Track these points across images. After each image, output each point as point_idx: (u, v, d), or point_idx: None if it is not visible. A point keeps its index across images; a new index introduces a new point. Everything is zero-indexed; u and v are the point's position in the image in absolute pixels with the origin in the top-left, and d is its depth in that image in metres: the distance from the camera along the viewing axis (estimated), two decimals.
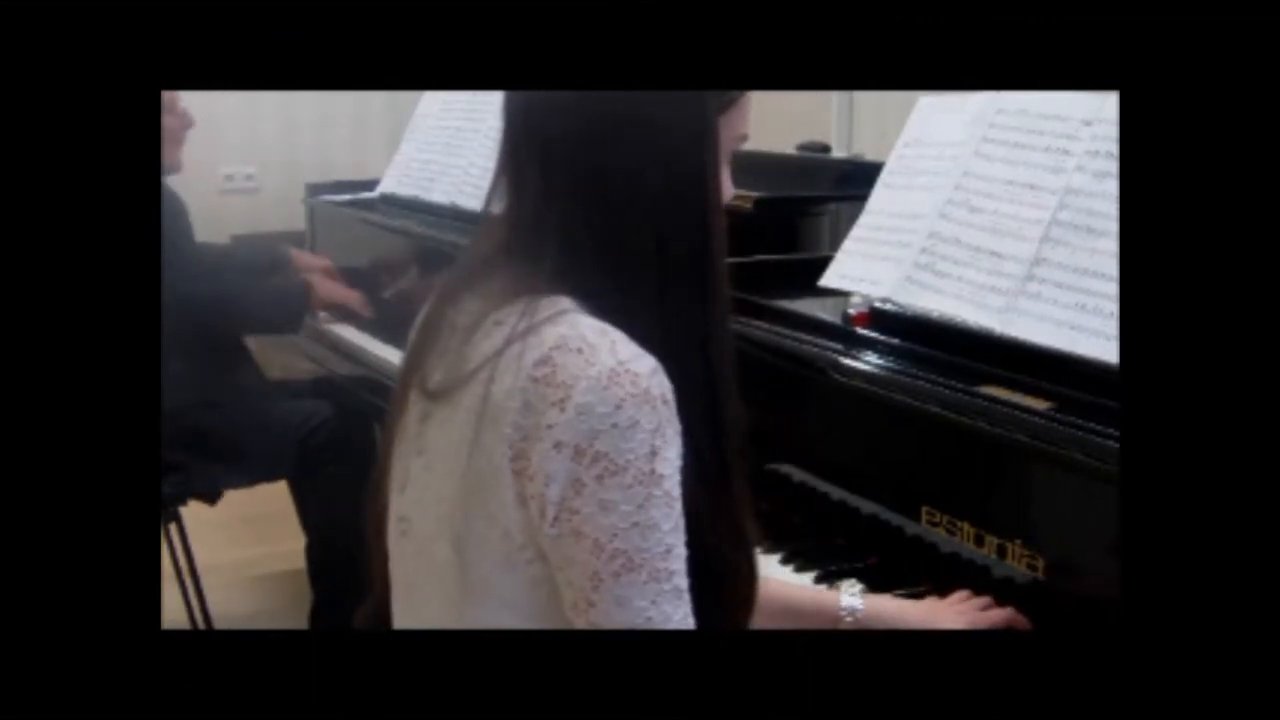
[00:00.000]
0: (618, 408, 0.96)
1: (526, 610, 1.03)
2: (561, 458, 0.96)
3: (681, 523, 0.99)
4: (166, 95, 2.67)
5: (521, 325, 1.00)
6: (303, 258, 3.09)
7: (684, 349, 1.02)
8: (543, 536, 0.99)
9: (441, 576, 1.06)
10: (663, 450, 0.97)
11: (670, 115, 1.03)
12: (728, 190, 1.11)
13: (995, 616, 1.36)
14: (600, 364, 0.97)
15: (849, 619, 1.29)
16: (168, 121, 2.68)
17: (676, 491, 0.98)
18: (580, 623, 1.00)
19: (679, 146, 1.03)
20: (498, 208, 1.10)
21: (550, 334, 0.99)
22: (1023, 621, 1.37)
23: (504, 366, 1.00)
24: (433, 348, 1.09)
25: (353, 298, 3.01)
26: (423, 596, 1.10)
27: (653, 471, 0.97)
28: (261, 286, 2.96)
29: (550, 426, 0.97)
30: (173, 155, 2.73)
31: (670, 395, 0.98)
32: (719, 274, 1.07)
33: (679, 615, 0.99)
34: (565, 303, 1.02)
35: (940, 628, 1.32)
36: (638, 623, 0.97)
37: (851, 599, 1.31)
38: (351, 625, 1.22)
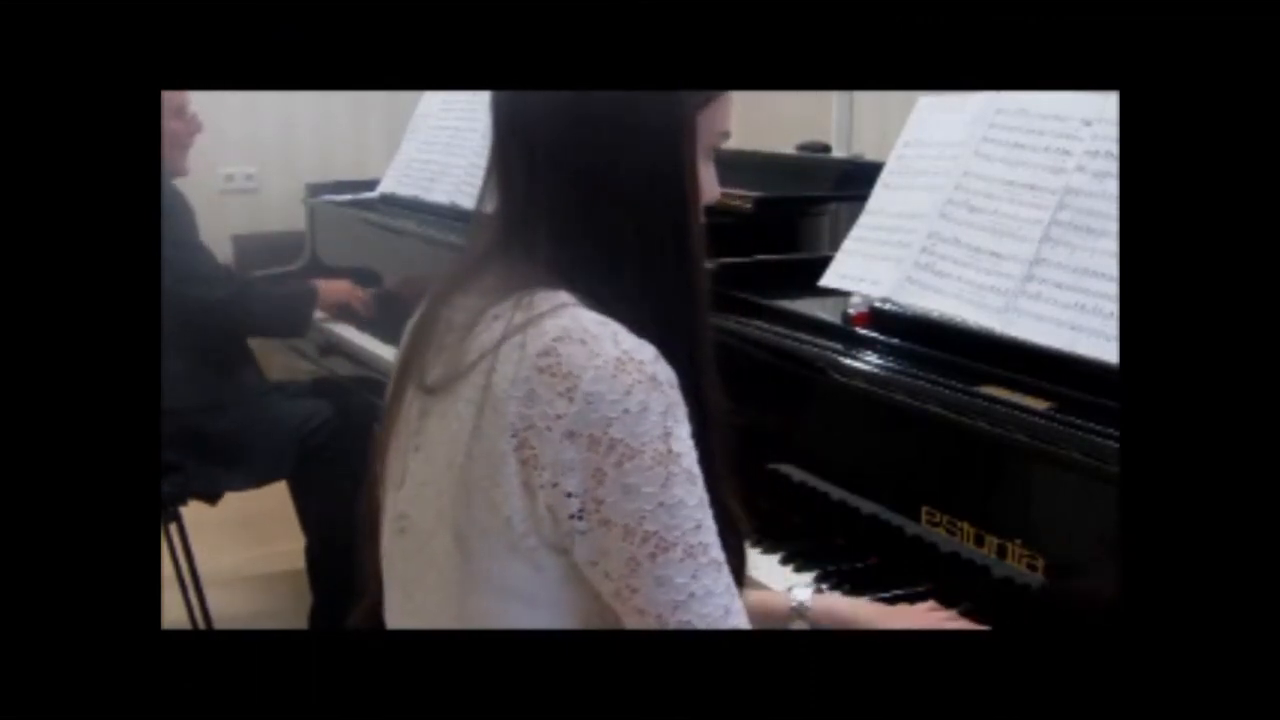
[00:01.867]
0: (627, 394, 0.98)
1: (529, 598, 1.04)
2: (576, 448, 0.98)
3: (706, 498, 1.01)
4: (176, 100, 2.67)
5: (519, 317, 1.02)
6: (331, 287, 3.08)
7: (668, 338, 1.03)
8: (561, 532, 1.00)
9: (442, 569, 1.06)
10: (675, 430, 0.99)
11: (648, 112, 1.05)
12: (711, 187, 1.14)
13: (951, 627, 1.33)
14: (605, 354, 0.99)
15: (799, 621, 1.28)
16: (176, 126, 2.68)
17: (696, 469, 1.00)
18: (625, 610, 1.01)
19: (656, 142, 1.06)
20: (489, 206, 1.12)
21: (552, 325, 1.01)
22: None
23: (505, 356, 1.01)
24: (429, 346, 1.10)
25: (358, 295, 3.01)
26: (423, 592, 1.10)
27: (669, 451, 0.98)
28: (271, 292, 2.96)
29: (559, 417, 0.98)
30: (179, 159, 2.74)
31: (674, 379, 1.01)
32: (697, 266, 1.09)
33: (721, 587, 1.01)
34: (564, 296, 1.03)
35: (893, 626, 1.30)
36: (681, 599, 0.99)
37: (801, 598, 1.30)
38: (348, 624, 1.23)
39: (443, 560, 1.06)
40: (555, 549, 1.02)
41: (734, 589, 1.03)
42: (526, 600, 1.04)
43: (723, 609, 1.01)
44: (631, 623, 1.02)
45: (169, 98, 2.65)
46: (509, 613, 1.04)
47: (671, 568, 0.99)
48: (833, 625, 1.29)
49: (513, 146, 1.09)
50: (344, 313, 3.03)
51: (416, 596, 1.12)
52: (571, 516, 0.99)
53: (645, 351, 1.00)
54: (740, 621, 1.03)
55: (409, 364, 1.13)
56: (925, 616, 1.32)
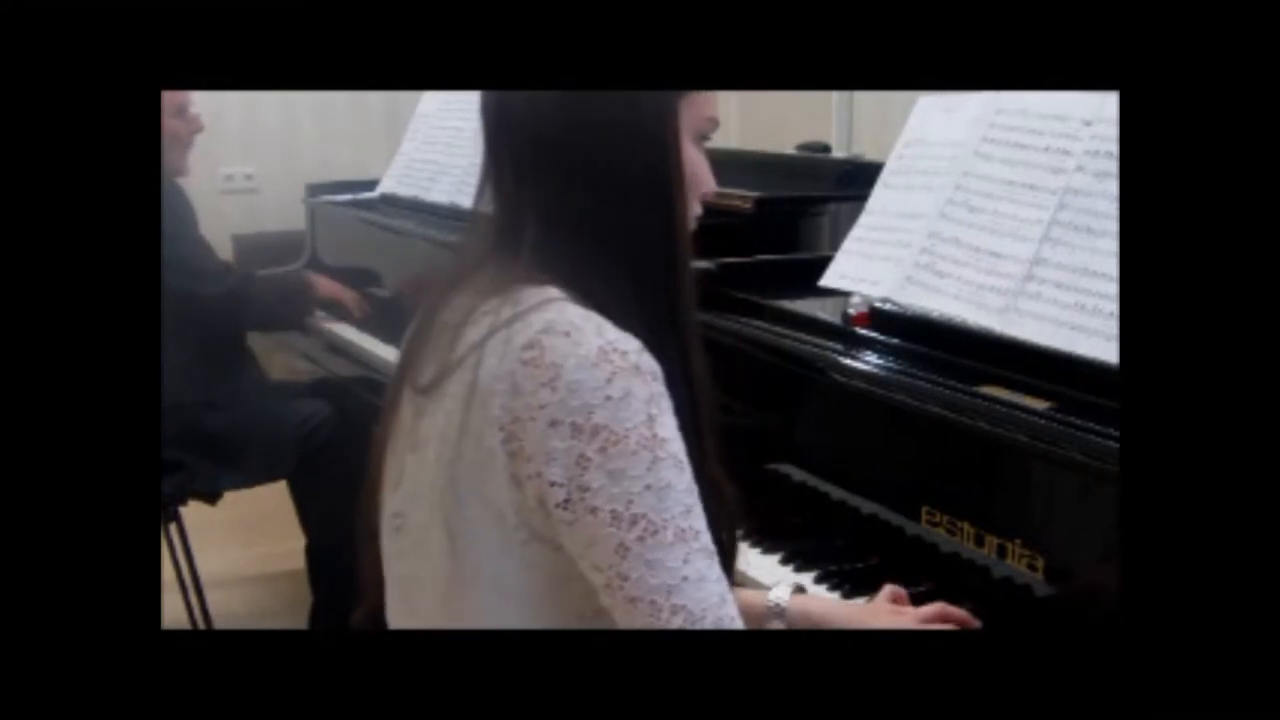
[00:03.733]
0: (609, 381, 0.98)
1: (520, 595, 1.04)
2: (559, 436, 0.98)
3: (695, 486, 1.01)
4: (177, 99, 2.67)
5: (507, 312, 1.03)
6: (325, 280, 3.10)
7: (656, 331, 1.04)
8: (550, 524, 1.00)
9: (436, 566, 1.07)
10: (660, 417, 0.99)
11: (632, 105, 1.06)
12: (705, 175, 1.14)
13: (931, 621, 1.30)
14: (588, 344, 0.99)
15: (776, 621, 1.28)
16: (177, 125, 2.68)
17: (683, 455, 1.00)
18: (616, 602, 1.00)
19: (641, 134, 1.06)
20: (485, 206, 1.13)
21: (537, 319, 1.01)
22: (961, 619, 1.33)
23: (490, 350, 1.02)
24: (424, 348, 1.11)
25: (350, 296, 3.02)
26: (418, 588, 1.11)
27: (655, 435, 0.98)
28: (267, 282, 2.98)
29: (543, 406, 0.98)
30: (180, 159, 2.73)
31: (659, 372, 1.00)
32: (684, 261, 1.10)
33: (714, 575, 1.00)
34: (552, 292, 1.04)
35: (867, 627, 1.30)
36: (674, 583, 0.98)
37: (779, 599, 1.30)
38: (349, 627, 1.23)
39: (437, 558, 1.06)
40: (548, 544, 1.02)
41: (725, 579, 1.02)
42: (517, 598, 1.04)
43: (717, 595, 1.00)
44: (623, 618, 1.00)
45: (170, 97, 2.65)
46: (500, 610, 1.04)
47: (662, 550, 0.98)
48: (808, 626, 1.29)
49: (501, 146, 1.10)
50: (337, 310, 3.04)
51: (413, 595, 1.12)
52: (558, 505, 0.99)
53: (629, 343, 1.00)
54: (733, 611, 1.01)
55: (406, 368, 1.14)
56: (896, 617, 1.30)
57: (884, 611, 1.30)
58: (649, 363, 1.00)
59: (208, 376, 2.68)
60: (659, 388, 1.00)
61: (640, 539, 0.97)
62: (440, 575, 1.07)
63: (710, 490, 1.04)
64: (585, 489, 0.98)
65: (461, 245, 1.20)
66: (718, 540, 1.03)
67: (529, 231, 1.07)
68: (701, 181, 1.13)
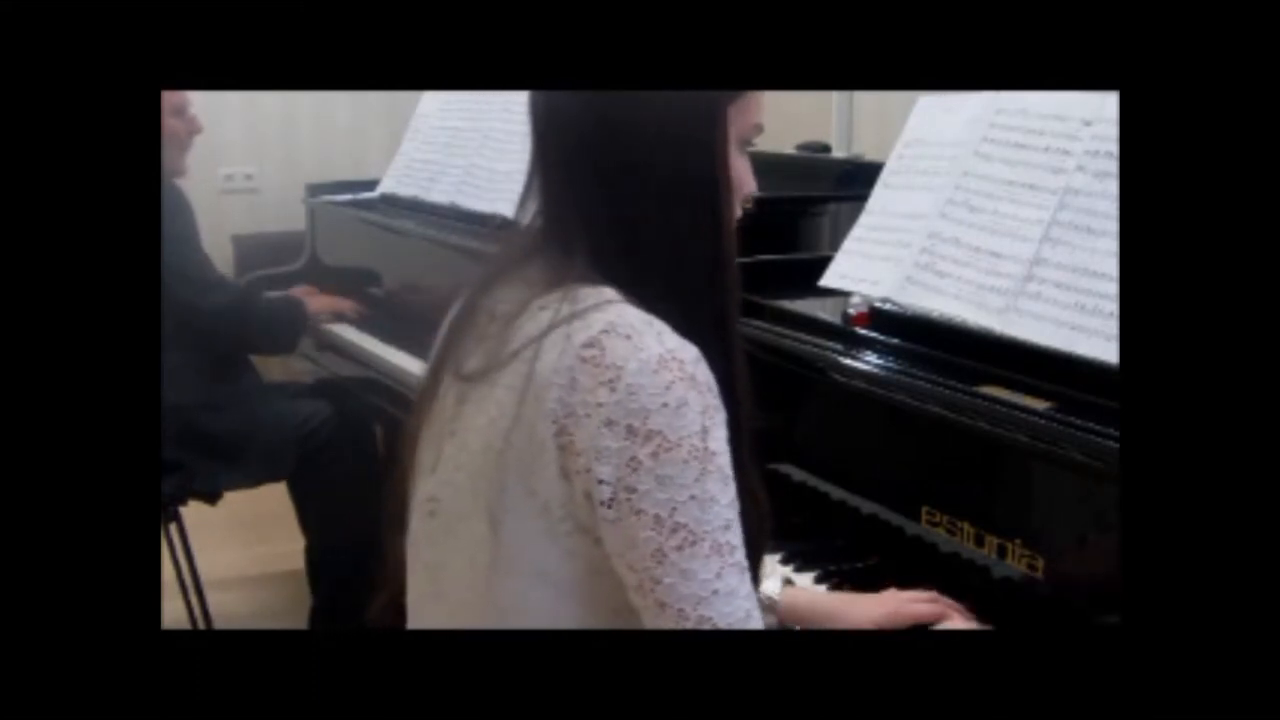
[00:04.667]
0: (668, 388, 0.99)
1: (559, 583, 1.04)
2: (613, 435, 0.99)
3: (737, 501, 1.02)
4: (176, 99, 2.66)
5: (566, 309, 1.04)
6: (317, 302, 3.07)
7: (702, 334, 1.04)
8: (594, 519, 1.01)
9: (473, 553, 1.07)
10: (713, 430, 1.00)
11: (680, 108, 1.06)
12: (748, 179, 1.15)
13: (922, 610, 1.33)
14: (649, 349, 1.00)
15: (768, 616, 1.28)
16: (175, 125, 2.68)
17: (730, 470, 1.01)
18: (646, 604, 1.01)
19: (689, 139, 1.06)
20: (530, 212, 1.13)
21: (598, 319, 1.02)
22: (944, 614, 1.34)
23: (549, 345, 1.03)
24: (468, 335, 1.12)
25: (345, 305, 3.02)
26: (450, 575, 1.11)
27: (706, 448, 1.00)
28: (262, 307, 2.92)
29: (600, 405, 0.99)
30: (179, 159, 2.73)
31: (714, 384, 1.02)
32: (730, 263, 1.10)
33: (745, 590, 1.02)
34: (610, 293, 1.05)
35: (858, 620, 1.30)
36: (704, 595, 0.99)
37: (770, 593, 1.30)
38: (361, 622, 1.23)
39: (474, 544, 1.07)
40: (590, 536, 1.03)
41: (754, 596, 1.03)
42: (556, 586, 1.04)
43: (744, 611, 1.01)
44: (651, 619, 1.02)
45: (168, 97, 2.65)
46: (537, 597, 1.05)
47: (698, 561, 0.99)
48: (796, 621, 1.29)
49: (549, 146, 1.10)
50: (339, 316, 3.03)
51: (443, 580, 1.12)
52: (603, 503, 1.00)
53: (688, 352, 1.01)
54: (757, 627, 1.03)
55: (446, 353, 1.14)
56: (881, 605, 1.31)
57: (869, 599, 1.31)
58: (705, 374, 1.01)
59: (207, 377, 2.68)
60: (713, 400, 1.01)
61: (679, 548, 0.99)
62: (476, 562, 1.07)
63: (746, 501, 1.05)
64: (632, 490, 0.99)
65: (508, 237, 1.20)
66: (749, 552, 1.04)
67: (577, 232, 1.07)
68: (744, 185, 1.14)
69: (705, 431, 1.00)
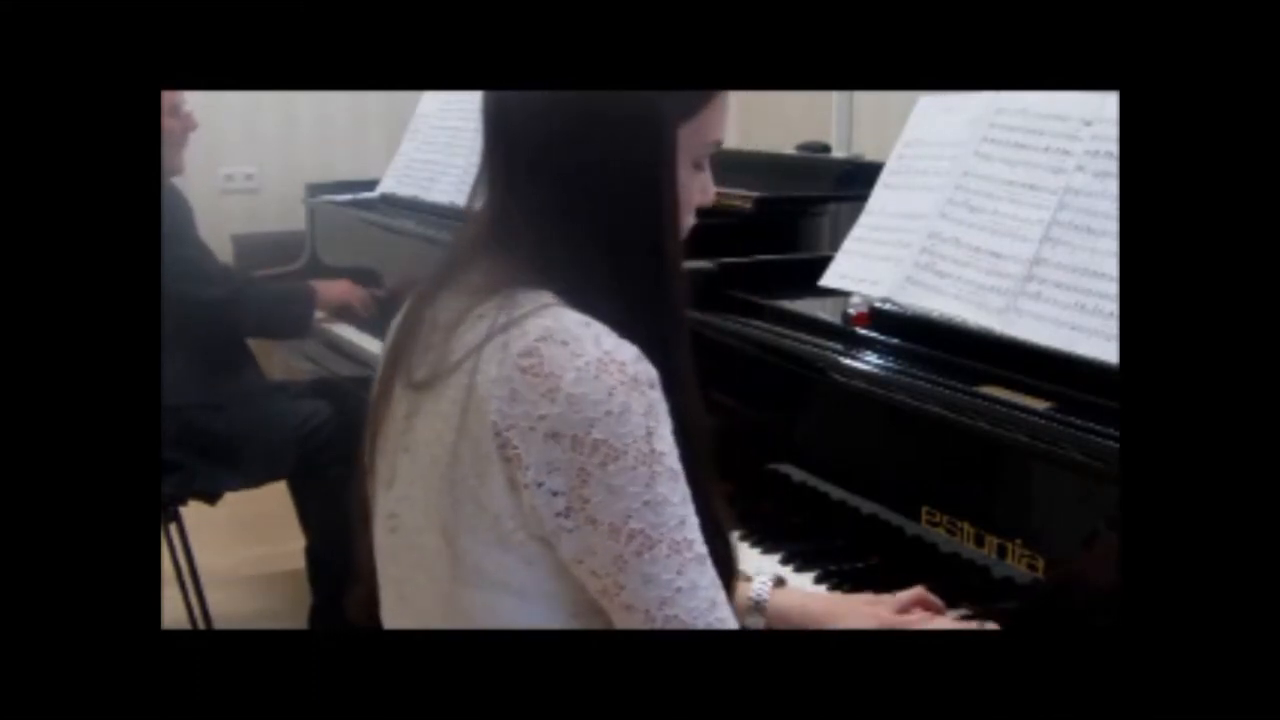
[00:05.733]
0: (609, 395, 0.98)
1: (521, 591, 1.04)
2: (560, 448, 0.99)
3: (688, 493, 1.02)
4: (170, 97, 2.67)
5: (503, 317, 1.03)
6: (329, 287, 3.06)
7: (643, 340, 1.03)
8: (547, 529, 1.01)
9: (432, 567, 1.07)
10: (658, 429, 1.00)
11: (629, 121, 1.05)
12: (704, 192, 1.14)
13: (913, 622, 1.31)
14: (586, 355, 0.99)
15: (756, 616, 1.28)
16: (171, 124, 2.68)
17: (678, 465, 1.01)
18: (613, 606, 1.02)
19: (636, 148, 1.06)
20: (479, 204, 1.13)
21: (534, 326, 1.01)
22: (931, 608, 1.33)
23: (488, 356, 1.02)
24: (414, 344, 1.11)
25: (358, 294, 3.01)
26: (415, 589, 1.11)
27: (652, 450, 0.99)
28: (268, 292, 2.96)
29: (542, 417, 0.99)
30: (175, 158, 2.73)
31: (655, 379, 1.01)
32: (675, 272, 1.10)
33: (706, 580, 1.02)
34: (547, 296, 1.04)
35: (844, 623, 1.29)
36: (668, 595, 1.00)
37: (759, 594, 1.30)
38: (346, 619, 1.23)
39: (433, 558, 1.06)
40: (544, 543, 1.03)
41: (718, 582, 1.03)
42: (518, 593, 1.04)
43: (708, 601, 1.02)
44: (619, 618, 1.03)
45: (164, 96, 2.65)
46: (501, 607, 1.05)
47: (658, 564, 1.00)
48: (784, 624, 1.29)
49: (498, 145, 1.10)
50: (344, 313, 3.03)
51: (408, 594, 1.12)
52: (558, 514, 1.00)
53: (626, 352, 1.01)
54: (725, 614, 1.03)
55: (395, 361, 1.13)
56: (874, 617, 1.30)
57: (860, 608, 1.31)
58: (646, 371, 1.01)
59: (207, 376, 2.68)
60: (656, 396, 1.01)
61: (637, 553, 1.00)
62: (436, 576, 1.07)
63: (702, 496, 1.05)
64: (585, 500, 0.99)
65: (452, 242, 1.20)
66: (714, 548, 1.05)
67: (522, 232, 1.07)
68: (704, 196, 1.14)
69: (650, 433, 0.99)
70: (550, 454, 0.99)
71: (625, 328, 1.03)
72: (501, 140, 1.09)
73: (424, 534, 1.07)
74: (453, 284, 1.11)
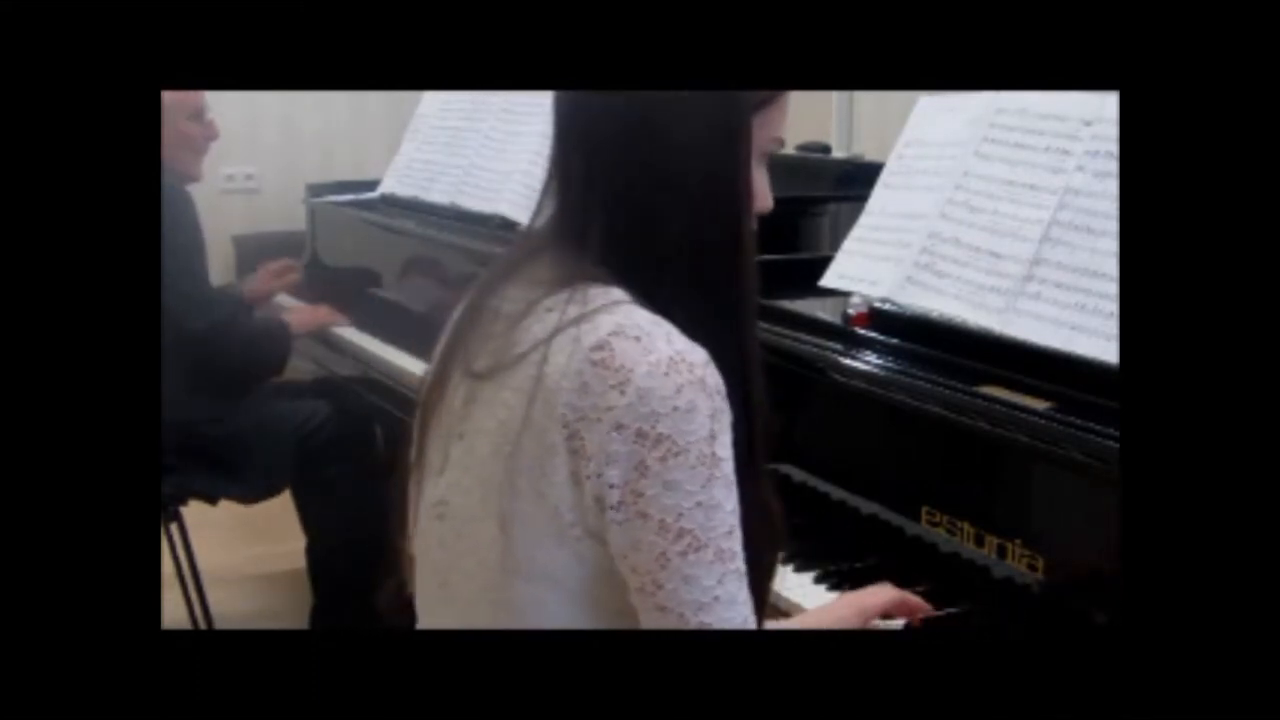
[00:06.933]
0: (678, 392, 0.99)
1: (569, 586, 1.04)
2: (623, 439, 0.99)
3: (739, 509, 1.02)
4: (194, 102, 2.65)
5: (574, 310, 1.03)
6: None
7: (715, 342, 1.04)
8: (603, 522, 1.01)
9: (483, 556, 1.07)
10: (720, 435, 1.00)
11: (707, 115, 1.06)
12: (765, 194, 1.14)
13: (883, 599, 1.33)
14: (658, 351, 1.00)
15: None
16: (193, 130, 2.67)
17: (734, 476, 1.02)
18: (646, 607, 1.02)
19: (713, 145, 1.06)
20: (548, 201, 1.12)
21: (606, 321, 1.02)
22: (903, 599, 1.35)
23: (558, 348, 1.02)
24: (476, 333, 1.11)
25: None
26: (461, 576, 1.10)
27: (713, 454, 1.00)
28: (246, 333, 2.79)
29: (610, 409, 0.99)
30: (194, 164, 2.72)
31: (722, 387, 1.02)
32: (748, 273, 1.10)
33: (743, 597, 1.02)
34: (618, 293, 1.05)
35: (833, 623, 1.30)
36: (705, 601, 1.00)
37: None
38: (363, 620, 1.23)
39: (484, 547, 1.06)
40: (599, 540, 1.03)
41: (751, 602, 1.03)
42: (566, 589, 1.04)
43: (742, 619, 1.02)
44: (650, 621, 1.02)
45: (186, 101, 2.63)
46: (547, 602, 1.05)
47: (701, 567, 0.99)
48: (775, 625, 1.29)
49: (571, 145, 1.09)
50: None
51: (453, 582, 1.12)
52: (611, 507, 1.00)
53: (697, 354, 1.01)
54: None
55: (454, 350, 1.13)
56: (849, 610, 1.31)
57: (833, 606, 1.32)
58: (714, 377, 1.01)
59: (210, 394, 2.65)
60: (721, 404, 1.01)
61: (682, 553, 0.99)
62: (487, 565, 1.07)
63: (760, 511, 1.05)
64: (640, 494, 0.99)
65: (520, 233, 1.19)
66: (759, 560, 1.05)
67: (594, 231, 1.07)
68: (762, 200, 1.13)
69: (713, 436, 1.00)
70: (612, 445, 0.99)
71: (696, 329, 1.03)
72: (574, 138, 1.09)
73: (478, 522, 1.07)
74: (517, 277, 1.11)
